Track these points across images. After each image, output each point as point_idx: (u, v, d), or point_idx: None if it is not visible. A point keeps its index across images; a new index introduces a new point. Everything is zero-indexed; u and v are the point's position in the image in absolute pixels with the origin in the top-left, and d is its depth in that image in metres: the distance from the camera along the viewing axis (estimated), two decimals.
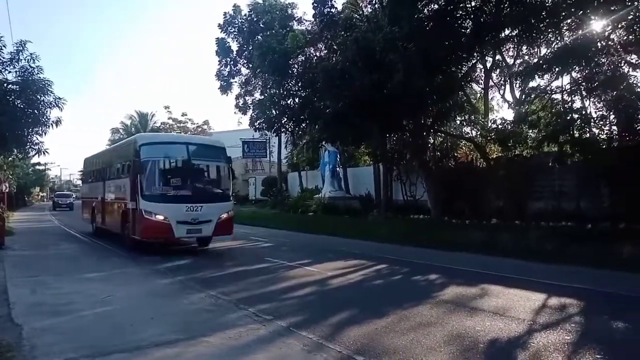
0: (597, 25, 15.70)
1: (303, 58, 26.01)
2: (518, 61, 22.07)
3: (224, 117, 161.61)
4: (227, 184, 14.14)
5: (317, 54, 26.00)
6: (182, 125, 51.03)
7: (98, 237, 17.26)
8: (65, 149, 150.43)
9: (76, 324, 6.20)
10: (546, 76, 17.41)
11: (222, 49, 31.48)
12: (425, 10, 19.03)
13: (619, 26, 15.74)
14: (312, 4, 22.32)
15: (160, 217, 12.36)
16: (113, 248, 14.45)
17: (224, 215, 13.28)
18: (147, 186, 12.57)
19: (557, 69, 16.22)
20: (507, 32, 18.62)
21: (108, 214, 16.40)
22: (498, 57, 22.81)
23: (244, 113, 32.96)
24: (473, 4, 18.39)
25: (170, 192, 12.73)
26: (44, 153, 19.85)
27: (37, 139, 19.00)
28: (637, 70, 16.14)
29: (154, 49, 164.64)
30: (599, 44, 15.61)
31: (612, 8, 14.56)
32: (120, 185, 14.66)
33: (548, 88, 18.24)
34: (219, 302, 7.47)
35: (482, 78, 23.92)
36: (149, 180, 12.65)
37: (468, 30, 18.26)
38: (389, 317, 6.65)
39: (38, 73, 18.00)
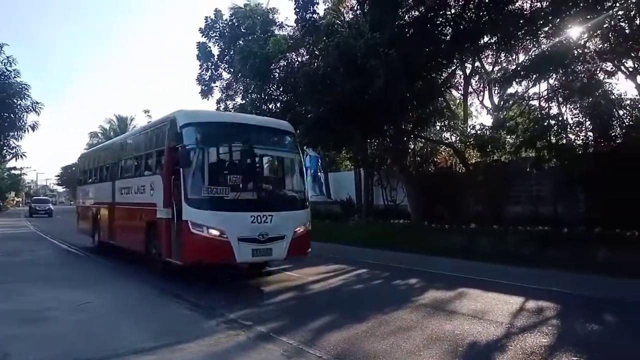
0: (574, 33, 16.09)
1: (285, 63, 26.03)
2: (496, 68, 22.38)
3: None
4: (300, 183, 10.45)
5: (299, 59, 26.06)
6: None
7: (102, 255, 13.71)
8: (42, 154, 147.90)
9: (52, 331, 6.08)
10: (524, 83, 17.70)
11: (203, 54, 31.30)
12: (406, 17, 19.23)
13: (595, 34, 16.16)
14: (294, 9, 22.38)
15: (214, 232, 8.65)
16: (113, 264, 12.80)
17: (300, 229, 9.55)
18: (194, 186, 8.78)
19: (534, 76, 16.50)
20: (485, 39, 18.93)
21: (121, 226, 12.56)
22: (477, 63, 23.12)
23: None
24: (453, 11, 18.65)
25: (229, 195, 8.95)
26: (21, 157, 19.53)
27: (14, 142, 18.69)
28: (612, 77, 16.54)
29: (133, 53, 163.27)
30: (575, 52, 15.98)
31: (588, 16, 14.92)
32: (144, 185, 10.86)
33: (526, 94, 18.54)
34: (198, 308, 7.40)
35: (462, 84, 24.23)
36: (196, 177, 8.85)
37: (448, 37, 18.51)
38: (369, 321, 6.66)
39: (15, 77, 17.73)
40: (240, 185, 9.30)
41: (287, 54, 25.21)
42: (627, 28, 15.58)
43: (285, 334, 5.94)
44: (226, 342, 5.64)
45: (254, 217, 8.94)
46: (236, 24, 30.14)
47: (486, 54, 22.01)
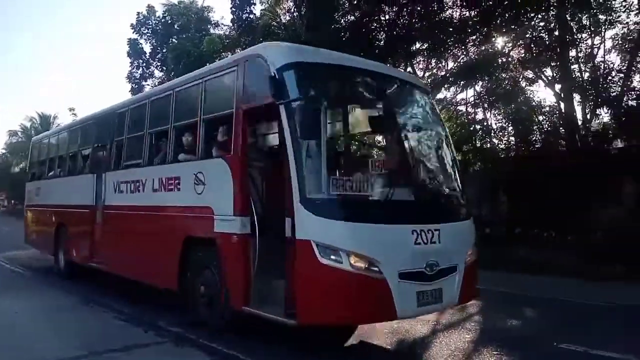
0: (499, 43, 17.04)
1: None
2: (427, 74, 23.18)
3: None
4: (456, 174, 6.36)
5: None
6: None
7: (75, 285, 9.51)
8: None
9: None
10: (452, 89, 18.47)
11: (134, 51, 30.25)
12: (342, 21, 19.55)
13: (518, 44, 17.15)
14: (230, 9, 22.13)
15: (360, 264, 4.68)
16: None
17: (471, 253, 5.73)
18: (315, 178, 4.87)
19: (462, 83, 17.29)
20: (417, 45, 19.56)
21: (120, 242, 8.26)
22: (409, 69, 23.85)
23: None
24: (387, 17, 19.16)
25: (375, 193, 5.37)
26: None
27: None
28: (533, 85, 17.60)
29: (58, 48, 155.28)
30: (500, 60, 16.89)
31: (512, 27, 15.82)
32: (179, 177, 6.64)
33: (454, 100, 19.32)
34: (124, 315, 7.11)
35: None
36: (314, 161, 4.92)
37: (382, 42, 18.98)
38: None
39: None
40: (391, 177, 5.68)
41: (223, 53, 24.90)
42: (547, 39, 16.65)
43: (215, 340, 5.81)
44: (153, 350, 5.48)
45: (416, 233, 5.10)
46: (169, 21, 29.45)
47: (418, 60, 22.75)
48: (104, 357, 5.17)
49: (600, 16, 15.69)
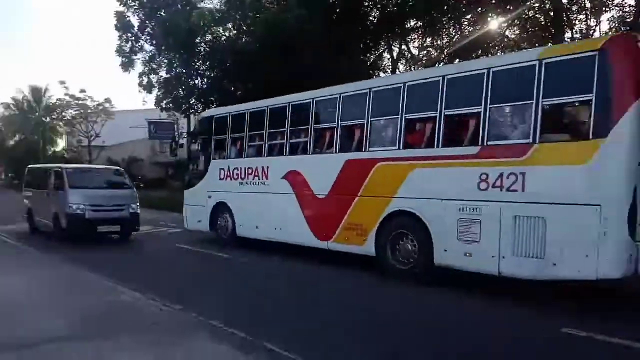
0: (495, 22, 16.92)
1: (211, 37, 25.26)
2: (423, 52, 22.98)
3: (127, 95, 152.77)
4: None
5: (226, 34, 25.36)
6: (81, 102, 47.02)
7: None
8: None
9: None
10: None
11: (122, 24, 29.50)
12: None
13: (513, 24, 17.05)
14: None
15: None
16: None
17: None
18: None
19: (458, 62, 17.21)
20: (412, 23, 19.36)
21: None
22: (404, 47, 23.65)
23: (149, 92, 31.31)
24: None
25: None
26: None
27: None
28: None
29: (46, 20, 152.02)
30: (495, 40, 16.81)
31: (508, 7, 15.71)
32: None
33: None
34: (127, 294, 7.02)
35: (390, 67, 24.70)
36: None
37: (375, 20, 18.75)
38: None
39: None
40: None
41: (214, 28, 24.51)
42: (542, 19, 16.56)
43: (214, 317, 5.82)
44: (159, 328, 5.48)
45: None
46: None
47: (413, 38, 22.55)
48: (111, 338, 5.16)
49: None
